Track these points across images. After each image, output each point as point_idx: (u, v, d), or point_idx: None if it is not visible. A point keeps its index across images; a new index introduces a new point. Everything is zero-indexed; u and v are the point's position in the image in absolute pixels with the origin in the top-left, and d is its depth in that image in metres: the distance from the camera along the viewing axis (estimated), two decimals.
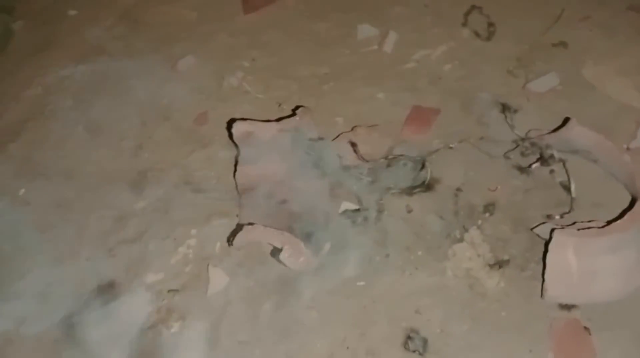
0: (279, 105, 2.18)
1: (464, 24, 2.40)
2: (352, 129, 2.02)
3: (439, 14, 2.45)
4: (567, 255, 1.53)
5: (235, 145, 1.88)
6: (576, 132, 1.79)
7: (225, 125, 2.06)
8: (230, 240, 1.72)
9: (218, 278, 1.75)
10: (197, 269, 1.79)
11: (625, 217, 1.54)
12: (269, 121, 1.87)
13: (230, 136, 1.86)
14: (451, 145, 2.01)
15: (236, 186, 1.87)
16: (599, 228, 1.55)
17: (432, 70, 2.26)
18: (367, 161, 1.93)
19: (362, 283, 1.73)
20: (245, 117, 2.01)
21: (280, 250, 1.62)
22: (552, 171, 1.89)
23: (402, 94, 2.19)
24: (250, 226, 1.62)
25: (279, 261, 1.64)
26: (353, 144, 1.92)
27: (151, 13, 2.71)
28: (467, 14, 2.42)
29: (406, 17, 2.46)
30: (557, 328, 1.57)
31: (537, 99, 2.10)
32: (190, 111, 2.25)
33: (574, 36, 2.26)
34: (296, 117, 1.85)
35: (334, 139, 1.99)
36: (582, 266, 1.54)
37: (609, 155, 1.78)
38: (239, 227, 1.67)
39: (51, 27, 2.74)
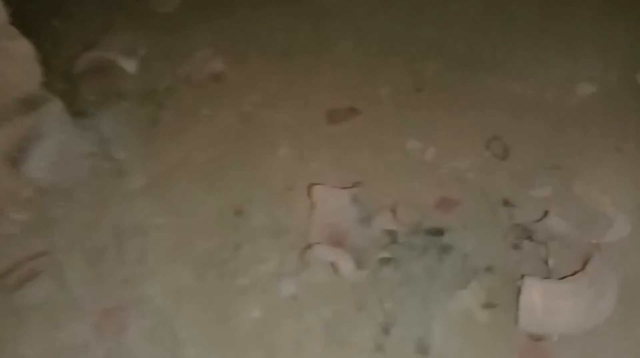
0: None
1: (487, 148, 3.24)
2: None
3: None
4: (533, 294, 2.19)
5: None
6: (552, 222, 2.52)
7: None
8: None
9: None
10: None
11: (578, 273, 2.21)
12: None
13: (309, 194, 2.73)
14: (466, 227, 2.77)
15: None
16: (558, 279, 2.23)
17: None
18: (404, 226, 2.72)
19: None
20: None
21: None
22: (537, 250, 2.59)
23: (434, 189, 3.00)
24: (317, 245, 2.41)
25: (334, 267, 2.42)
26: (393, 211, 2.73)
27: None
28: (489, 141, 3.28)
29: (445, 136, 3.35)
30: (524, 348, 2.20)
31: (534, 201, 2.85)
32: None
33: (567, 163, 3.05)
34: (355, 188, 2.70)
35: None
36: (546, 304, 2.19)
37: (578, 242, 2.48)
38: (308, 245, 2.46)
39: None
